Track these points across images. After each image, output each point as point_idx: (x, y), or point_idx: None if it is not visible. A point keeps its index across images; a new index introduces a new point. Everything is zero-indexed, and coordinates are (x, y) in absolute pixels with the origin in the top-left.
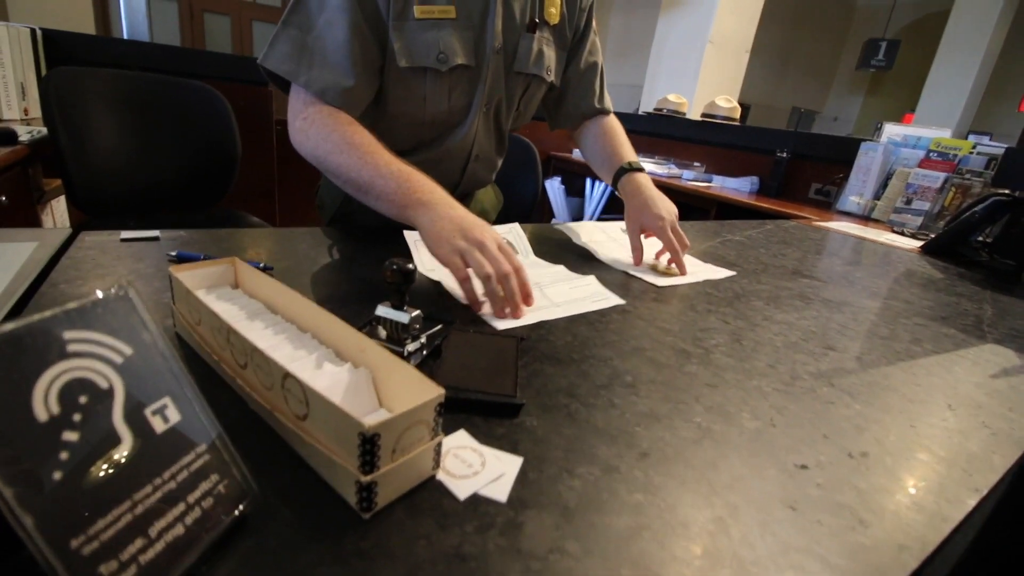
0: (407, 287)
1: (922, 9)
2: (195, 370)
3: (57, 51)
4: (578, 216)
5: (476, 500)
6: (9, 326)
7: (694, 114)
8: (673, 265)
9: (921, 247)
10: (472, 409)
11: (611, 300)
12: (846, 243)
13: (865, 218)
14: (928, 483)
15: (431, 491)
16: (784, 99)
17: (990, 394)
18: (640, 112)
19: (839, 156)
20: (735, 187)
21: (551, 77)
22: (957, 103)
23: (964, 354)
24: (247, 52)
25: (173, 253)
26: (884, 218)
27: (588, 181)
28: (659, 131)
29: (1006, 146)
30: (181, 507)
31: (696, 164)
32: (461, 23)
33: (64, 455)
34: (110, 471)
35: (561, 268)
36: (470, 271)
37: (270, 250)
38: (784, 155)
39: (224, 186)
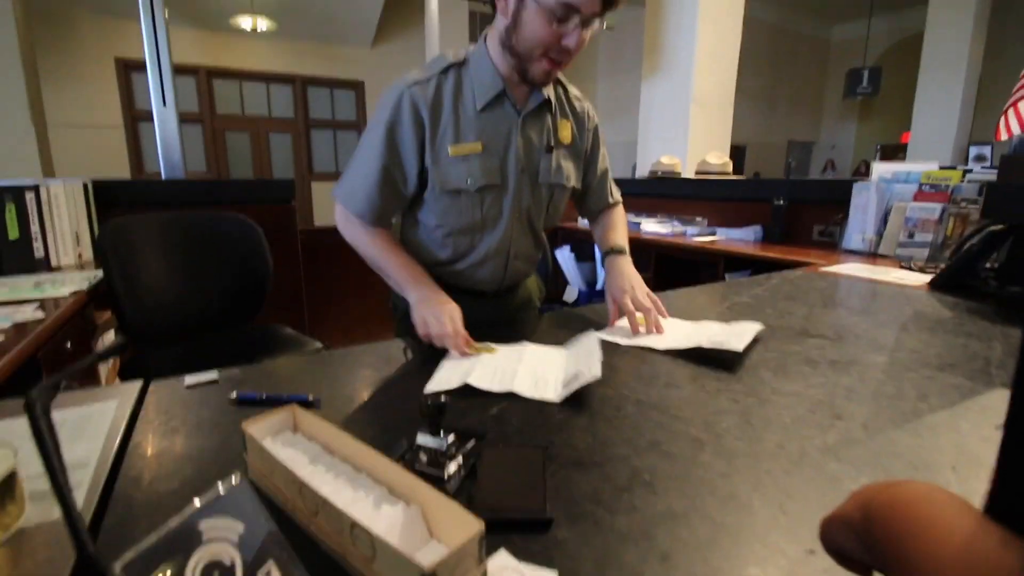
0: (441, 418)
1: (897, 35)
2: (272, 513)
3: (105, 197)
4: (591, 279)
5: None
6: (172, 524)
7: (688, 172)
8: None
9: (929, 283)
10: (509, 528)
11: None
12: (853, 289)
13: (872, 255)
14: None
15: None
16: (778, 134)
17: (995, 446)
18: (636, 177)
19: (835, 197)
20: (740, 237)
21: (571, 183)
22: (950, 119)
23: (971, 404)
24: (265, 162)
25: (233, 395)
26: (891, 252)
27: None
28: (657, 192)
29: (996, 170)
30: None
31: (698, 219)
32: (487, 154)
33: None
34: None
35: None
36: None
37: (314, 377)
38: (781, 203)
39: (259, 303)
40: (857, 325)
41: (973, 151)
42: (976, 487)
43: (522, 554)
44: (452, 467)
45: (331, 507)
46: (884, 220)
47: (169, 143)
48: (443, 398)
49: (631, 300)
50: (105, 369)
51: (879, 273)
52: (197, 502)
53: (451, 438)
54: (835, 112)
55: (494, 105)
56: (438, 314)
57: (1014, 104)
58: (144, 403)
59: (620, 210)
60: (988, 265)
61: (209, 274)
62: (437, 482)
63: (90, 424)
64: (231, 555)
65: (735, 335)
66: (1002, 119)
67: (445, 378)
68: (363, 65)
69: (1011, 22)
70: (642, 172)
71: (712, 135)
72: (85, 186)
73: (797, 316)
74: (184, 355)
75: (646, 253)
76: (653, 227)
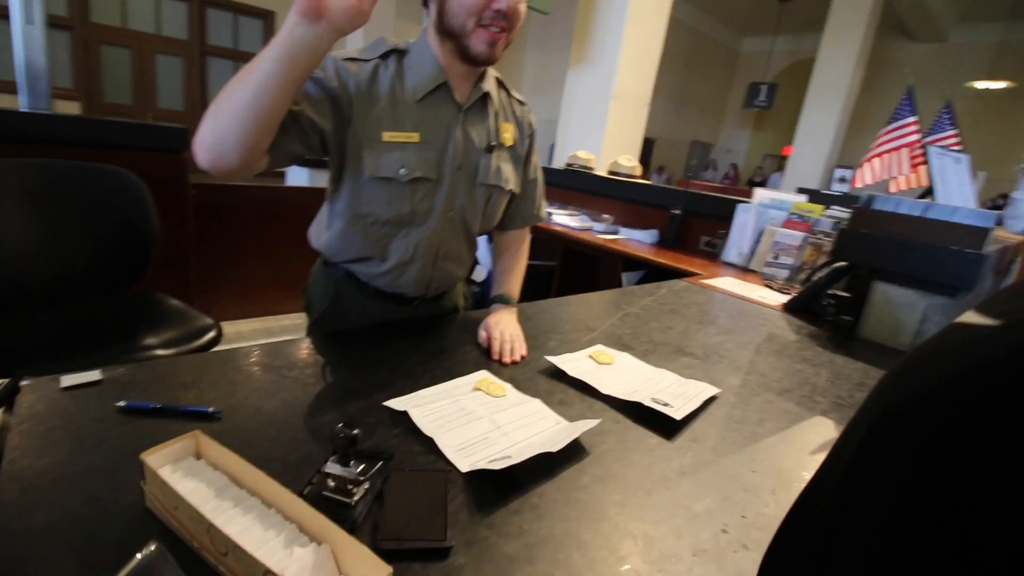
0: (353, 449)
1: (794, 56)
2: (174, 548)
3: None
4: None
5: None
6: None
7: (602, 168)
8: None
9: (784, 305)
10: (412, 556)
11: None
12: (724, 306)
13: (745, 269)
14: (739, 570)
15: None
16: (684, 133)
17: (809, 470)
18: (554, 166)
19: (722, 213)
20: (639, 239)
21: (510, 187)
22: (825, 140)
23: (797, 430)
24: (149, 87)
25: (122, 404)
26: (760, 269)
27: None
28: (572, 184)
29: (851, 211)
30: None
31: (605, 216)
32: (424, 146)
33: None
34: None
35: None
36: None
37: (214, 381)
38: (678, 212)
39: (140, 268)
40: (722, 345)
41: (837, 172)
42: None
43: None
44: (359, 493)
45: (242, 551)
46: (758, 239)
47: (35, 66)
48: (355, 431)
49: (500, 331)
50: None
51: (747, 290)
52: None
53: (360, 467)
54: (735, 119)
55: (434, 96)
56: None
57: (870, 159)
58: (11, 410)
59: (527, 241)
60: (831, 292)
61: (77, 232)
62: (344, 508)
63: None
64: None
65: (682, 398)
66: (858, 170)
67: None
68: None
69: (885, 62)
70: (559, 162)
71: (627, 133)
72: None
73: (676, 332)
74: (47, 323)
75: (555, 243)
76: (564, 219)
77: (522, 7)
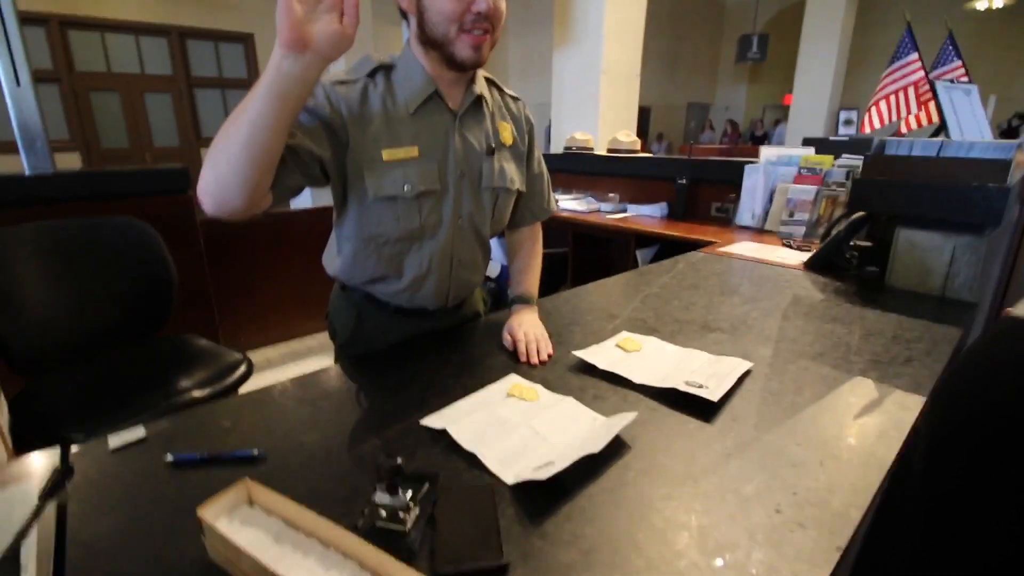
0: (399, 479)
1: (783, 2)
2: None
3: None
4: None
5: None
6: None
7: (600, 146)
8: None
9: (804, 264)
10: None
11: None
12: (744, 273)
13: (760, 230)
14: (798, 550)
15: None
16: (679, 97)
17: (854, 436)
18: (552, 152)
19: (729, 177)
20: (648, 213)
21: (516, 186)
22: (825, 85)
23: (837, 395)
24: (143, 127)
25: (170, 458)
26: (776, 229)
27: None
28: (573, 168)
29: (862, 159)
30: None
31: (611, 195)
32: (424, 159)
33: None
34: None
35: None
36: None
37: (254, 423)
38: (683, 182)
39: (164, 313)
40: (748, 315)
41: (843, 115)
42: (840, 482)
43: None
44: (411, 520)
45: None
46: (770, 199)
47: (29, 127)
48: (398, 459)
49: (523, 333)
50: None
51: (765, 252)
52: None
53: (409, 493)
54: (728, 75)
55: (427, 107)
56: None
57: (876, 103)
58: (67, 479)
59: (540, 236)
60: (852, 244)
61: (99, 285)
62: (399, 536)
63: (4, 518)
64: None
65: (716, 377)
66: (865, 115)
67: (472, 431)
68: (253, 15)
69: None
70: (557, 147)
71: (621, 105)
72: None
73: (699, 308)
74: (84, 381)
75: (564, 230)
76: (570, 204)
77: (502, 4)
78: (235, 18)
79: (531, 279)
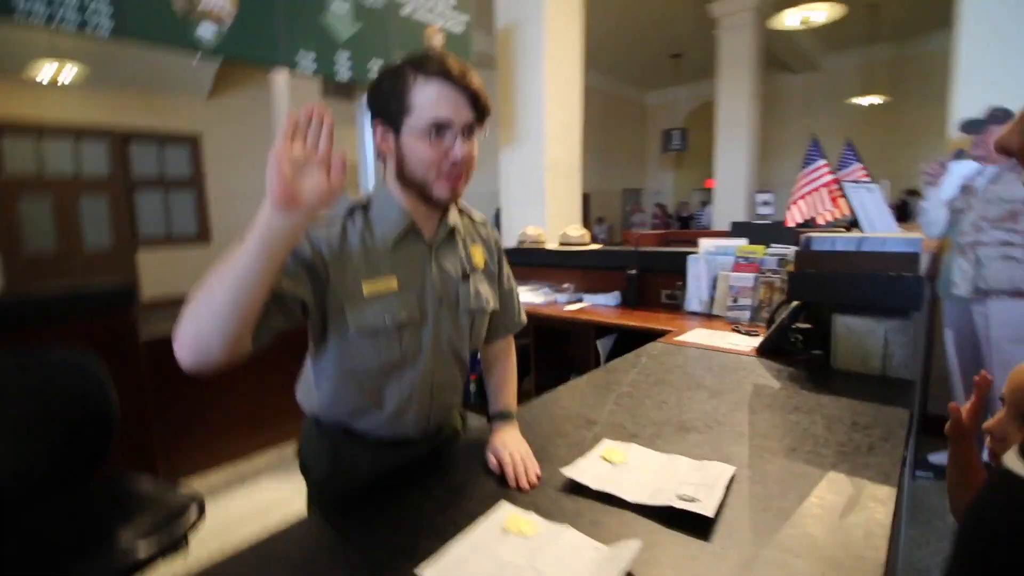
0: None
1: (697, 100)
2: None
3: None
4: None
5: None
6: None
7: (552, 239)
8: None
9: (756, 349)
10: None
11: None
12: (703, 362)
13: (708, 315)
14: None
15: None
16: (615, 183)
17: (845, 541)
18: (506, 246)
19: (675, 267)
20: (603, 302)
21: (491, 306)
22: (740, 168)
23: (818, 494)
24: (74, 231)
25: None
26: (723, 314)
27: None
28: (528, 261)
29: (793, 249)
30: None
31: (566, 285)
32: (404, 291)
33: None
34: None
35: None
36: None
37: None
38: (634, 272)
39: (102, 453)
40: (717, 410)
41: (759, 197)
42: None
43: None
44: None
45: None
46: (714, 285)
47: None
48: None
49: (508, 454)
50: None
51: (718, 339)
52: None
53: None
54: (656, 163)
55: (404, 240)
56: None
57: (795, 202)
58: None
59: (513, 348)
60: (795, 327)
61: (27, 430)
62: None
63: None
64: None
65: (704, 487)
66: (787, 212)
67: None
68: (198, 117)
69: (775, 93)
70: (507, 237)
71: (566, 198)
72: None
73: (671, 406)
74: (6, 552)
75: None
76: (529, 296)
77: (475, 150)
78: (183, 120)
79: (509, 393)
